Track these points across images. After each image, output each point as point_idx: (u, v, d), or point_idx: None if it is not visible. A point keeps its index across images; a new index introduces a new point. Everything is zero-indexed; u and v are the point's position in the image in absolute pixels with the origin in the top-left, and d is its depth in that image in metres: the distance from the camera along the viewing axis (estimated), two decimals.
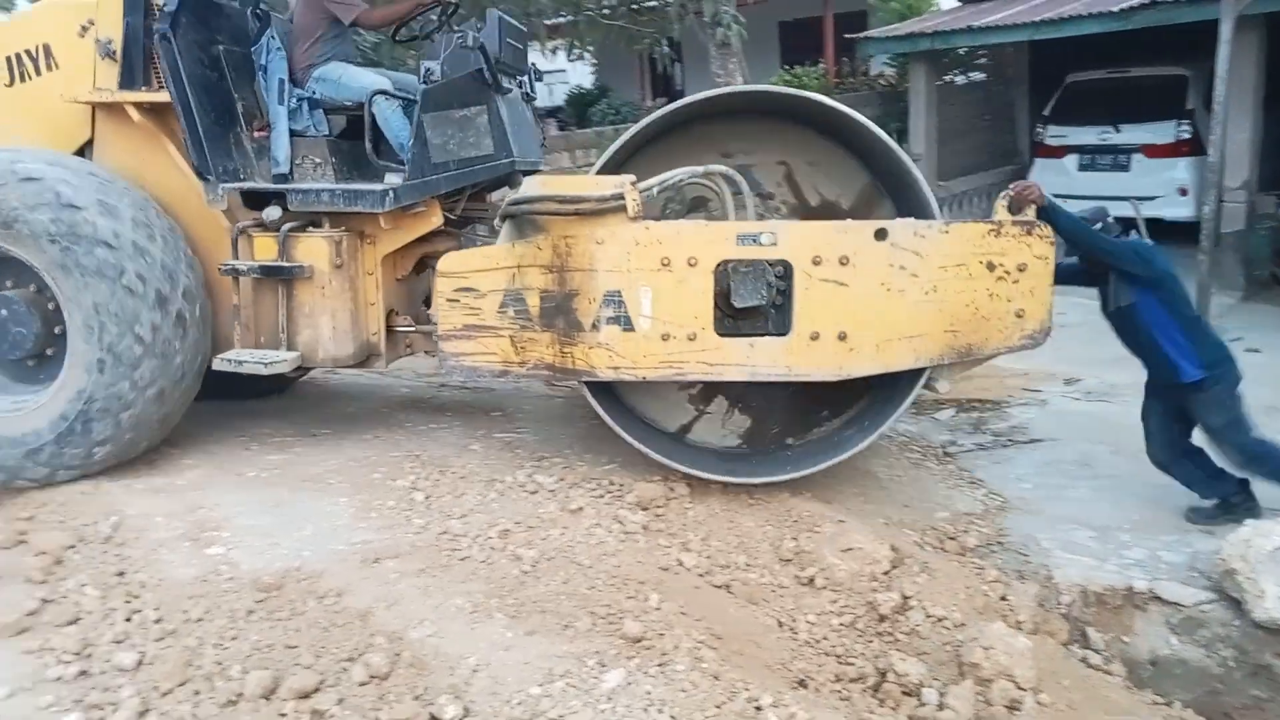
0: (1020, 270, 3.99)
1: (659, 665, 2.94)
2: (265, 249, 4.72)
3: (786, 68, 13.71)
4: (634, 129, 4.39)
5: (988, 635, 3.44)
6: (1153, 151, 10.08)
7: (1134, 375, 6.48)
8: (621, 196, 4.04)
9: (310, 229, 4.77)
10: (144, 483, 4.42)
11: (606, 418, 4.36)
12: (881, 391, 4.56)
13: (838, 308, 4.04)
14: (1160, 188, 9.89)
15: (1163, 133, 10.06)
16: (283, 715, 2.76)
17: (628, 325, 4.12)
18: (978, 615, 3.79)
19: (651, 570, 3.59)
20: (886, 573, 3.94)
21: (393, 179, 4.68)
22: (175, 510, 4.07)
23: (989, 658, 3.36)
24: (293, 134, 4.86)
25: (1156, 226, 8.31)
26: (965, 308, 4.02)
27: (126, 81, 4.75)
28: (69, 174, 4.42)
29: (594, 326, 4.14)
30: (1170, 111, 10.07)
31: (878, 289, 4.00)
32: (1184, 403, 4.42)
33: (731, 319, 4.27)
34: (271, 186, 4.79)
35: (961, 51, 12.12)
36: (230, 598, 3.35)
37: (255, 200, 4.84)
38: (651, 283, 4.08)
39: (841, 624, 3.69)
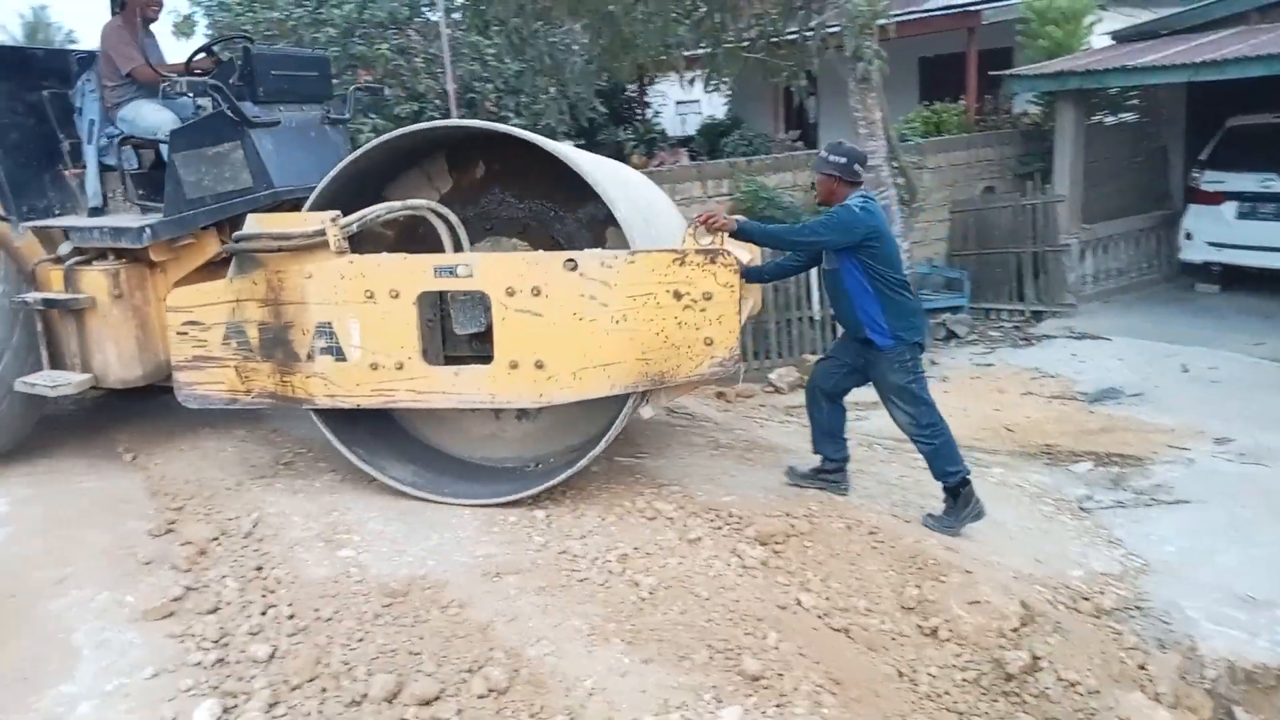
0: (706, 299, 3.99)
1: (777, 706, 2.89)
2: (55, 281, 4.95)
3: (926, 104, 13.44)
4: (341, 164, 4.44)
5: (1125, 705, 3.27)
6: None
7: None
8: (324, 233, 4.17)
9: (96, 262, 4.94)
10: (284, 483, 4.63)
11: (331, 438, 4.52)
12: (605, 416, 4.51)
13: (534, 337, 4.10)
14: None
15: None
16: None
17: (340, 355, 4.29)
18: (1113, 683, 3.58)
19: (770, 608, 3.54)
20: (1015, 630, 3.77)
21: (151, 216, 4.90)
22: (311, 511, 4.24)
23: None
24: (107, 169, 5.14)
25: None
26: (655, 336, 4.03)
27: None
28: None
29: (309, 357, 4.32)
30: None
31: (570, 318, 4.05)
32: (867, 360, 4.57)
33: (477, 343, 4.39)
34: (60, 223, 5.07)
35: (1112, 91, 11.66)
36: (359, 600, 3.46)
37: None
38: (358, 314, 4.23)
39: (965, 680, 3.55)
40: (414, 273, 4.20)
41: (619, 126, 17.31)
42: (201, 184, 4.86)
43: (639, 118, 18.35)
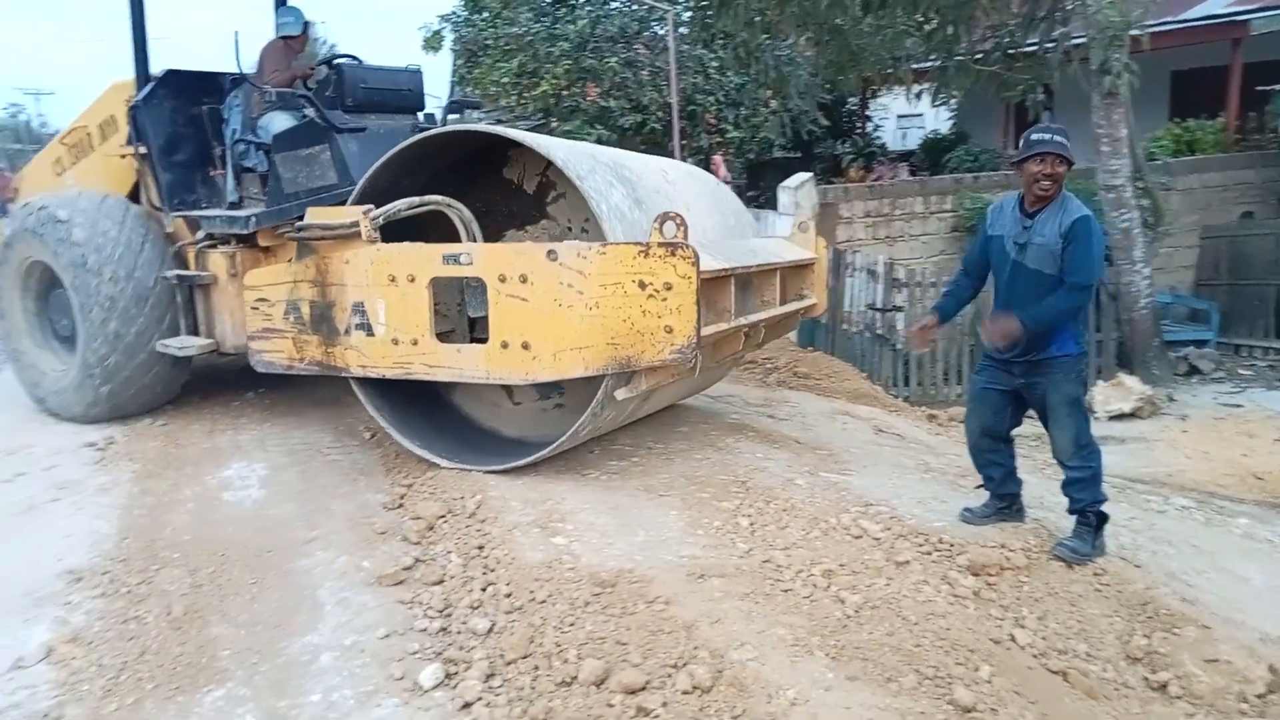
0: (667, 289, 4.13)
1: None
2: (190, 262, 6.08)
3: (1176, 120, 12.46)
4: (379, 163, 4.88)
5: None
6: None
7: None
8: (357, 224, 4.66)
9: (221, 246, 5.93)
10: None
11: (371, 409, 5.07)
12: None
13: (521, 320, 4.39)
14: None
15: None
16: (610, 705, 2.92)
17: (370, 331, 4.78)
18: None
19: (982, 640, 3.40)
20: (1261, 696, 3.44)
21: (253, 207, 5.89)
22: (529, 498, 4.45)
23: None
24: (246, 170, 6.04)
25: None
26: (623, 323, 4.23)
27: (130, 139, 6.29)
28: (84, 218, 5.97)
29: (346, 331, 4.84)
30: None
31: (551, 304, 4.31)
32: (1032, 380, 4.30)
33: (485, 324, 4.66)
34: (194, 213, 6.09)
35: None
36: (570, 587, 3.60)
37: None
38: (383, 296, 4.70)
39: None
40: (427, 260, 4.62)
41: (837, 140, 17.10)
42: (296, 180, 5.65)
43: (858, 131, 18.05)
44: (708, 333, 4.44)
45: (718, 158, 15.32)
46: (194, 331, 6.08)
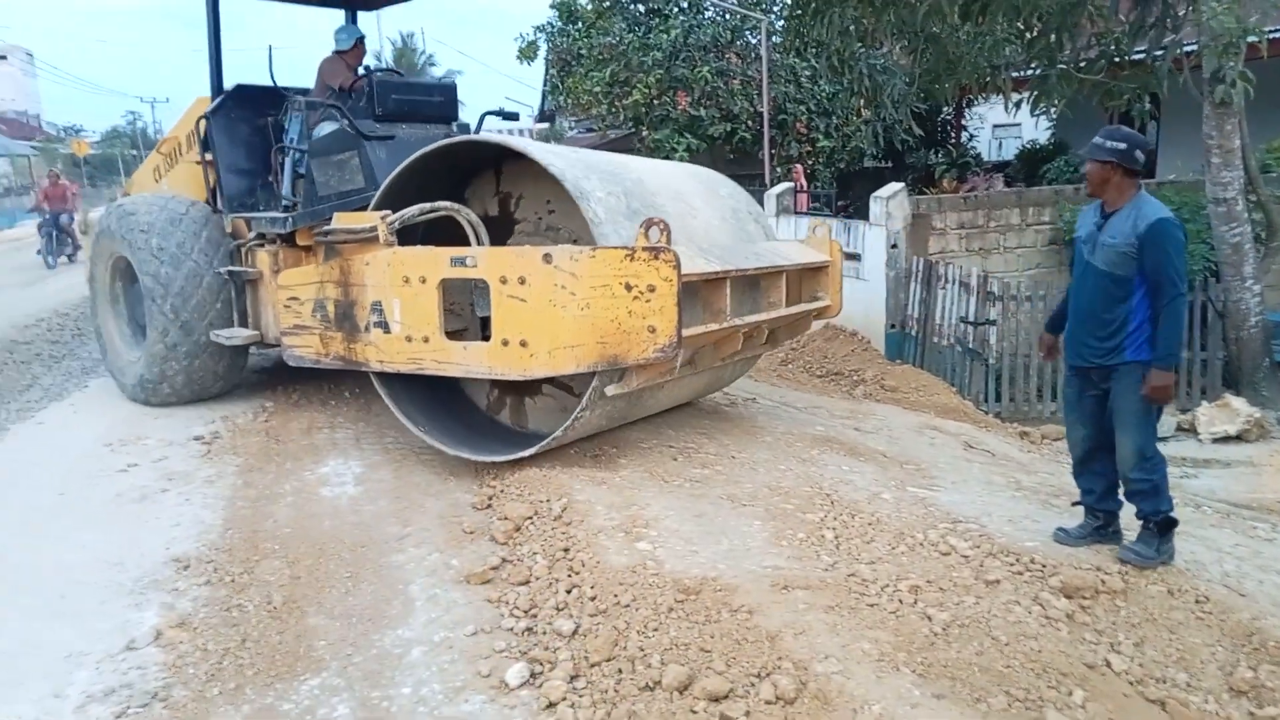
0: (651, 290, 4.29)
1: None
2: (242, 259, 6.62)
3: None
4: (386, 181, 5.22)
5: None
6: None
7: None
8: (375, 229, 4.93)
9: (268, 245, 6.40)
10: (588, 474, 4.95)
11: (388, 400, 5.36)
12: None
13: (520, 319, 4.58)
14: None
15: None
16: (693, 712, 2.93)
17: (387, 329, 5.03)
18: None
19: (1075, 664, 3.30)
20: None
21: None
22: (613, 503, 4.50)
23: None
24: (300, 176, 6.40)
25: None
26: (611, 322, 4.41)
27: (203, 148, 6.91)
28: (159, 218, 6.56)
29: (366, 328, 5.12)
30: None
31: (546, 304, 4.50)
32: (1109, 385, 4.23)
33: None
34: (245, 214, 6.67)
35: None
36: (654, 592, 3.62)
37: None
38: (399, 295, 4.95)
39: None
40: (436, 262, 4.86)
41: (931, 150, 16.80)
42: (329, 184, 6.02)
43: (952, 141, 17.72)
44: (696, 333, 4.60)
45: (798, 167, 15.26)
46: (244, 323, 6.54)
